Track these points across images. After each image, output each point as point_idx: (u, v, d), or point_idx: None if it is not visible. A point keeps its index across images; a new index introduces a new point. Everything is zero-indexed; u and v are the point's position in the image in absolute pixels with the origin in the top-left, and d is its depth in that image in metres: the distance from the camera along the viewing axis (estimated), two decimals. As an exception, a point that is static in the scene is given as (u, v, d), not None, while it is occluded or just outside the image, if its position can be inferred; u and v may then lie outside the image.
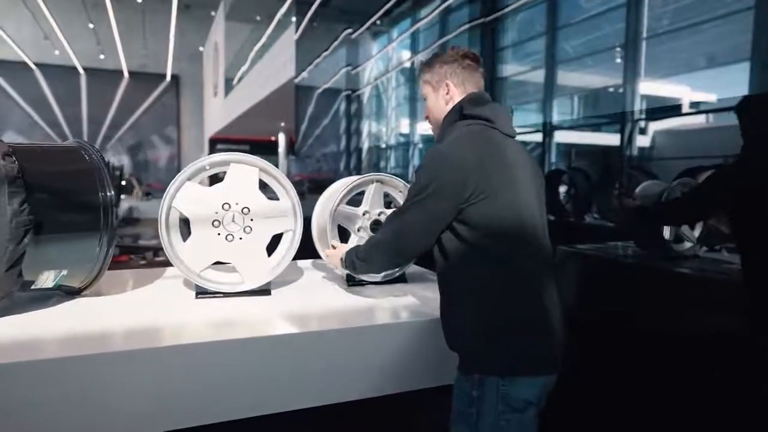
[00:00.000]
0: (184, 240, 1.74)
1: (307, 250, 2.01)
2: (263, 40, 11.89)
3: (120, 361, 1.25)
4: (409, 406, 1.75)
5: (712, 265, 2.31)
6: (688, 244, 2.35)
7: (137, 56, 15.65)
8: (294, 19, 9.73)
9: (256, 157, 1.78)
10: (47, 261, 1.50)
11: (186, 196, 1.71)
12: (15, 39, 13.53)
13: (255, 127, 14.81)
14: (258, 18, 12.50)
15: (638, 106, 3.52)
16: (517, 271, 1.33)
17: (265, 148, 14.80)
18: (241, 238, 1.75)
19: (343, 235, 2.06)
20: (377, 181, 2.04)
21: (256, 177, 1.77)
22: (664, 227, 2.34)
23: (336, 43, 8.62)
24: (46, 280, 1.53)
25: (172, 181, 1.70)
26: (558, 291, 1.41)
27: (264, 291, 1.81)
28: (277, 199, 1.83)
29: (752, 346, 1.72)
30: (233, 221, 1.74)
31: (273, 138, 15.33)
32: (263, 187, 1.80)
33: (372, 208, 2.03)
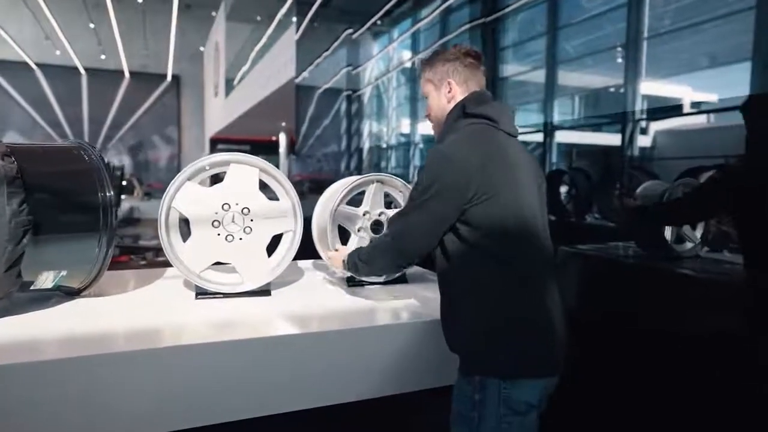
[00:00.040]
0: (184, 240, 1.74)
1: (307, 250, 2.01)
2: (264, 40, 11.89)
3: (120, 362, 1.25)
4: (409, 407, 1.75)
5: (713, 265, 2.30)
6: (689, 245, 2.34)
7: (138, 56, 15.66)
8: (295, 19, 9.72)
9: (256, 157, 1.77)
10: (46, 261, 1.50)
11: (186, 196, 1.71)
12: (16, 39, 13.54)
13: (256, 127, 14.81)
14: (259, 18, 12.49)
15: (639, 106, 3.51)
16: (518, 271, 1.33)
17: (265, 148, 14.80)
18: (241, 239, 1.75)
19: (344, 235, 2.06)
20: (378, 181, 2.04)
21: (256, 177, 1.76)
22: (666, 227, 2.33)
23: (336, 43, 8.62)
24: (46, 280, 1.53)
25: (172, 182, 1.69)
26: (559, 291, 1.40)
27: (264, 291, 1.80)
28: (277, 199, 1.83)
29: (754, 347, 1.72)
30: (233, 221, 1.74)
31: (274, 138, 15.33)
32: (263, 187, 1.80)
33: (372, 209, 2.03)
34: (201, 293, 1.75)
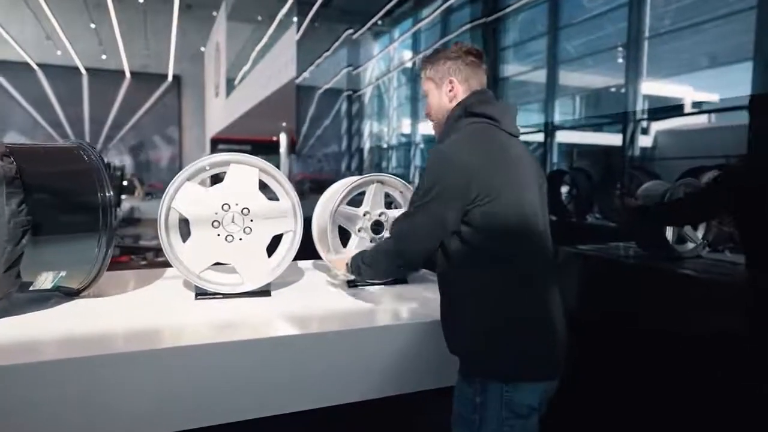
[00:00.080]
0: (184, 241, 1.74)
1: (307, 250, 2.00)
2: (265, 40, 11.89)
3: (119, 362, 1.25)
4: (409, 407, 1.74)
5: (715, 265, 2.30)
6: (690, 245, 2.34)
7: (139, 56, 15.68)
8: (295, 19, 9.72)
9: (255, 157, 1.77)
10: (46, 262, 1.50)
11: (185, 196, 1.70)
12: (17, 39, 13.55)
13: (256, 128, 14.82)
14: (259, 18, 12.50)
15: (640, 106, 3.50)
16: (518, 270, 1.32)
17: (266, 148, 14.83)
18: (240, 239, 1.75)
19: (344, 235, 2.05)
20: (378, 181, 2.03)
21: (256, 177, 1.76)
22: (667, 228, 2.33)
23: (337, 43, 8.62)
24: (45, 281, 1.53)
25: (172, 182, 1.69)
26: (560, 292, 1.39)
27: (264, 292, 1.80)
28: (277, 199, 1.83)
29: (755, 347, 1.71)
30: (233, 222, 1.73)
31: (275, 138, 15.35)
32: (263, 187, 1.79)
33: (373, 209, 2.03)
34: (201, 294, 1.74)
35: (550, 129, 4.41)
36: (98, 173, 1.60)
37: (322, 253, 2.14)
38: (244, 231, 1.75)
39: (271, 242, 1.81)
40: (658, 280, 2.24)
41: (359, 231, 2.02)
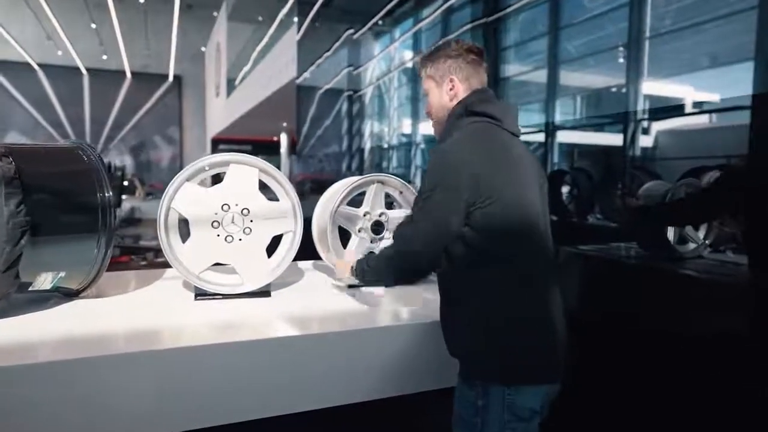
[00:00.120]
0: (184, 241, 1.73)
1: (307, 251, 1.99)
2: (265, 40, 11.91)
3: (119, 363, 1.24)
4: (410, 408, 1.74)
5: (716, 266, 2.29)
6: (692, 245, 2.33)
7: (140, 57, 15.70)
8: (296, 19, 9.73)
9: (255, 157, 1.76)
10: (45, 262, 1.49)
11: (185, 196, 1.69)
12: (18, 40, 13.57)
13: (257, 128, 14.84)
14: (260, 18, 12.51)
15: (641, 106, 3.50)
16: (519, 270, 1.31)
17: (267, 149, 14.85)
18: (240, 240, 1.74)
19: (344, 236, 2.05)
20: (378, 181, 2.03)
21: (255, 178, 1.75)
22: (668, 228, 2.32)
23: (338, 43, 8.62)
24: (44, 281, 1.52)
25: (171, 182, 1.68)
26: (560, 292, 1.39)
27: (264, 293, 1.79)
28: (277, 200, 1.82)
29: (757, 348, 1.70)
30: (233, 222, 1.73)
31: (275, 138, 15.36)
32: (263, 187, 1.79)
33: (373, 209, 2.02)
34: (200, 294, 1.74)
35: (550, 129, 4.41)
36: (97, 173, 1.59)
37: (322, 254, 2.13)
38: (243, 231, 1.74)
39: (271, 243, 1.81)
40: (659, 281, 2.23)
41: (359, 231, 2.01)
